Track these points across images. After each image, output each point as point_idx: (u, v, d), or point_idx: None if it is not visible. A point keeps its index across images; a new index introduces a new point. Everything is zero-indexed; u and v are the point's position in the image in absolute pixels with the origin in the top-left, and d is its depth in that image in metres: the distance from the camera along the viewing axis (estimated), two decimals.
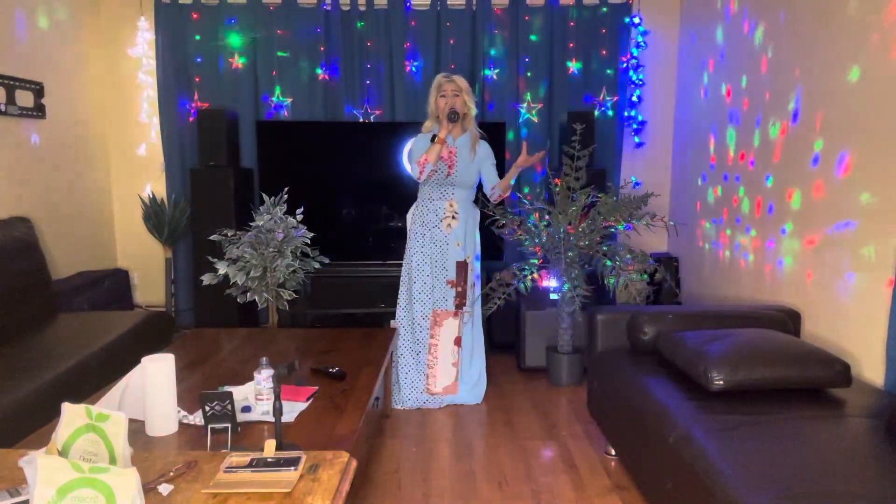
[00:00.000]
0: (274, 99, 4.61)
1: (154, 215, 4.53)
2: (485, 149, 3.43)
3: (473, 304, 3.47)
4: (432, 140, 3.25)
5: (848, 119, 2.59)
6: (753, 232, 3.37)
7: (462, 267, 3.38)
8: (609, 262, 3.48)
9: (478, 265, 3.53)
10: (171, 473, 1.56)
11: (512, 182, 3.39)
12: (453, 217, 3.37)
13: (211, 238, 3.75)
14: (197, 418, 1.99)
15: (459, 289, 3.38)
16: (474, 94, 4.56)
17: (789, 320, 2.66)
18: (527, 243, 3.66)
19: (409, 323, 3.42)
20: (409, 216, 3.53)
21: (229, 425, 1.85)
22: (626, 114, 4.67)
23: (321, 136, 4.39)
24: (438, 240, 3.38)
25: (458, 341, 3.41)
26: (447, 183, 3.36)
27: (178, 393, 1.98)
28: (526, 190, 4.55)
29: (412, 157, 3.36)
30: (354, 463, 1.69)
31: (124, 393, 2.05)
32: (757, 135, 3.35)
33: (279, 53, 4.57)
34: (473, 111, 3.38)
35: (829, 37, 2.72)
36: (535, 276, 3.64)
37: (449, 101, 3.29)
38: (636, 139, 4.72)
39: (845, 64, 2.60)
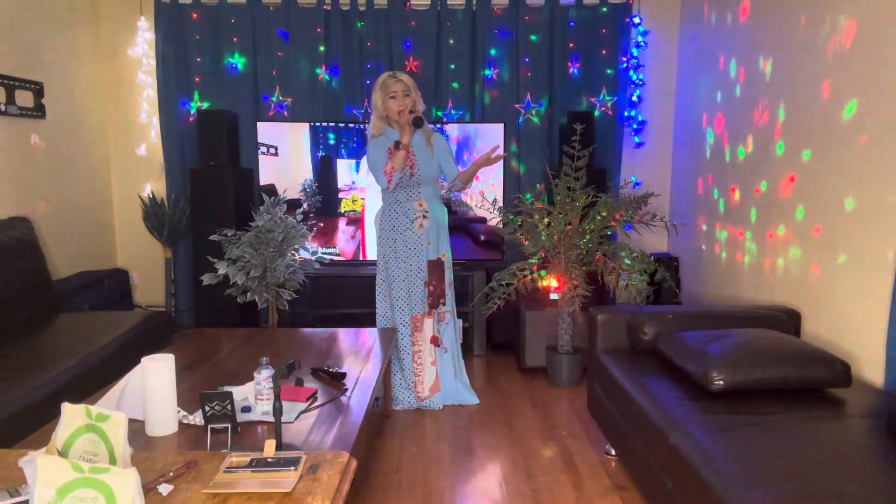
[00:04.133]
0: (274, 99, 4.61)
1: (154, 215, 4.53)
2: (440, 141, 3.40)
3: (453, 304, 3.44)
4: (396, 147, 3.19)
5: (849, 119, 2.59)
6: (753, 232, 3.37)
7: (435, 265, 3.34)
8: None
9: (450, 267, 3.44)
10: (171, 473, 1.56)
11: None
12: (424, 216, 3.32)
13: (211, 238, 3.75)
14: (197, 418, 1.99)
15: (432, 287, 3.32)
16: (474, 94, 4.61)
17: (789, 320, 2.67)
18: (527, 244, 3.66)
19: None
20: (376, 222, 3.45)
21: (229, 425, 1.85)
22: (626, 114, 4.67)
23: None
24: (411, 242, 3.32)
25: (434, 340, 3.36)
26: (413, 184, 3.30)
27: (178, 393, 1.98)
28: (528, 196, 4.54)
29: (375, 166, 3.28)
30: (354, 463, 1.69)
31: (124, 393, 2.05)
32: (757, 135, 3.35)
33: (279, 53, 4.57)
34: (422, 108, 3.34)
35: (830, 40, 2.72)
36: (535, 276, 3.64)
37: (400, 101, 3.23)
38: (636, 139, 4.72)
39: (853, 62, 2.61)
